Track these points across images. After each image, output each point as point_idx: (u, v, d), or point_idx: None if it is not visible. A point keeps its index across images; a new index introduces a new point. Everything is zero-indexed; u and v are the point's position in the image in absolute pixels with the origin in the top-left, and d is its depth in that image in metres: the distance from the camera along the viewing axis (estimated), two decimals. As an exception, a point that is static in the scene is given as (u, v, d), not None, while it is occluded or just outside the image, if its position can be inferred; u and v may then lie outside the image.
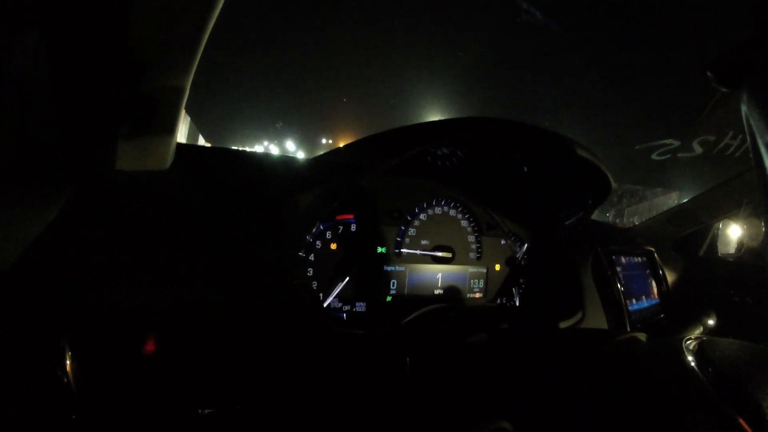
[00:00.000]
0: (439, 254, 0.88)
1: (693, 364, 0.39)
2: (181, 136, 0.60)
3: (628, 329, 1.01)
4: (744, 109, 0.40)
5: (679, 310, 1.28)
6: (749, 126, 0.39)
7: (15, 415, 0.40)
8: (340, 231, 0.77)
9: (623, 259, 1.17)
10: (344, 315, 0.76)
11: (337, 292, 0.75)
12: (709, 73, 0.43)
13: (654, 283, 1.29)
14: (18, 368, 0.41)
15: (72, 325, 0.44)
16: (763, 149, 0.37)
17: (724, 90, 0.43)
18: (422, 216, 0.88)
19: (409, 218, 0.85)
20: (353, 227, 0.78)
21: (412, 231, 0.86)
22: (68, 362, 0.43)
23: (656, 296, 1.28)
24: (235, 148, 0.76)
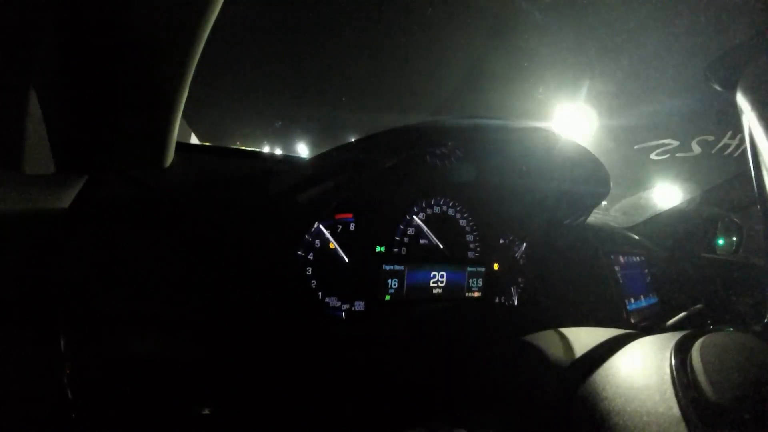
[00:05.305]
0: (439, 253, 0.88)
1: (691, 362, 0.39)
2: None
3: (627, 328, 1.01)
4: (740, 109, 0.40)
5: (677, 309, 1.28)
6: (747, 126, 0.39)
7: (15, 416, 0.40)
8: (339, 230, 0.77)
9: (622, 259, 1.17)
10: (343, 314, 0.76)
11: (335, 291, 0.75)
12: (706, 74, 0.43)
13: (652, 283, 1.30)
14: (17, 369, 0.41)
15: (72, 326, 0.44)
16: (759, 149, 0.37)
17: (721, 90, 0.43)
18: (421, 215, 0.88)
19: (408, 217, 0.85)
20: (352, 226, 0.78)
21: (411, 230, 0.86)
22: (68, 362, 0.43)
23: (655, 295, 1.28)
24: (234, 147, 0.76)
